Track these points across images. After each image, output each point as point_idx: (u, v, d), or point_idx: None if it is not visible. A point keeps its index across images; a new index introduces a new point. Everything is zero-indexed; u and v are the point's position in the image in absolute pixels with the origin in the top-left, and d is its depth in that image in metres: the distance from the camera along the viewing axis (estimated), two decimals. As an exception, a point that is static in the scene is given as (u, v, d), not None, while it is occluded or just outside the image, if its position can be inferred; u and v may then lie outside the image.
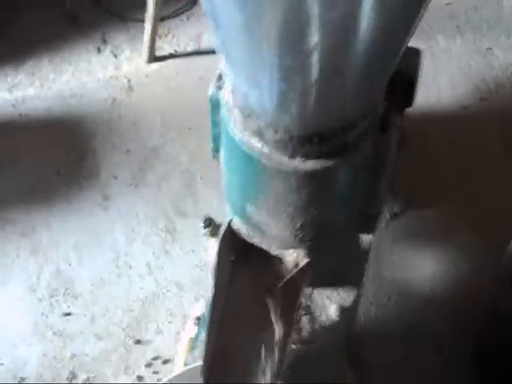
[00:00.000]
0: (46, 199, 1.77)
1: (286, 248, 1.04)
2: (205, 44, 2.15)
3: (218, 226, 1.29)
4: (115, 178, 1.80)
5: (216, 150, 1.10)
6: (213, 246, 1.28)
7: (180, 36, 2.21)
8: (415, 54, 1.10)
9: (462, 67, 1.76)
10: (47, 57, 2.10)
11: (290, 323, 1.02)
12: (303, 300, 1.12)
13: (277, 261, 1.07)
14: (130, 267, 1.65)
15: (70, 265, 1.66)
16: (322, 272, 1.12)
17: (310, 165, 0.91)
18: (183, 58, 2.15)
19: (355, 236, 1.19)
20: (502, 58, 1.77)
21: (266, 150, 0.92)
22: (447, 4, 1.86)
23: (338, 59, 0.74)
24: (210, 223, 1.29)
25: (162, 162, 1.83)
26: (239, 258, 1.08)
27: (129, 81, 2.03)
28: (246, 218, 1.05)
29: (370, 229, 1.16)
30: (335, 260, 1.13)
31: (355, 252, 1.20)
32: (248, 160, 0.95)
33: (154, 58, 2.11)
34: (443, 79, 1.75)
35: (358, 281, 1.20)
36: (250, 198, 1.01)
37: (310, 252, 1.04)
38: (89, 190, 1.78)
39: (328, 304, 1.15)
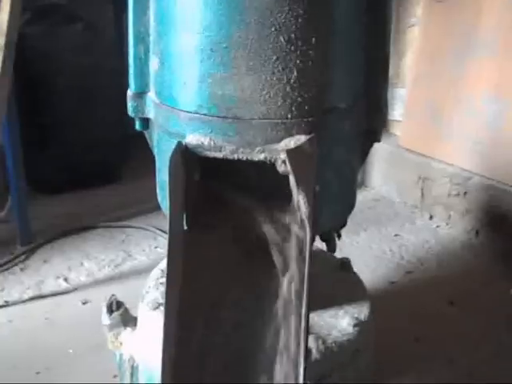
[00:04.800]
0: None
1: (276, 139, 0.75)
2: (48, 288, 1.73)
3: (128, 311, 0.95)
4: None
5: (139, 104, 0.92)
6: (128, 339, 0.91)
7: (12, 288, 1.77)
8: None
9: (375, 254, 1.83)
10: None
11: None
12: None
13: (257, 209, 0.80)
14: None
15: None
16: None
17: None
18: (20, 305, 1.68)
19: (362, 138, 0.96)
20: (412, 240, 1.91)
21: None
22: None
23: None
24: (118, 305, 0.94)
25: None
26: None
27: None
28: (210, 106, 0.79)
29: (376, 132, 0.96)
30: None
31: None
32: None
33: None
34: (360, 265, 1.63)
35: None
36: (219, 51, 0.79)
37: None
38: None
39: (335, 321, 0.89)
